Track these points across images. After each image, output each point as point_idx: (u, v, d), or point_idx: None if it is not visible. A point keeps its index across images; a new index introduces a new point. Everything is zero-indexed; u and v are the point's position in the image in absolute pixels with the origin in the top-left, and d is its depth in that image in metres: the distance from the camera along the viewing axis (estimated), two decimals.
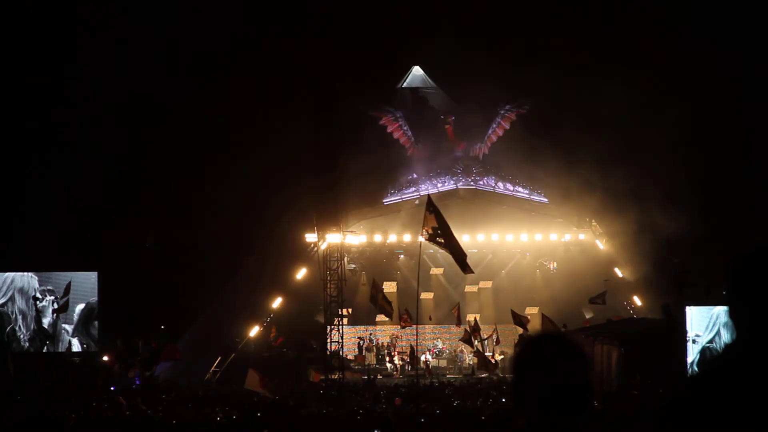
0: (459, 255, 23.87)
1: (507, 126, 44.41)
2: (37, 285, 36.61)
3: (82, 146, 38.94)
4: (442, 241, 23.53)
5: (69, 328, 36.74)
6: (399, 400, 24.98)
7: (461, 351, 41.11)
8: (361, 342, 42.34)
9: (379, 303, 31.28)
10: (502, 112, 44.52)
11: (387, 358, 41.70)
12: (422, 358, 39.98)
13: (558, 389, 3.33)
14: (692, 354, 31.54)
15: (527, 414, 3.38)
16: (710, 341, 31.95)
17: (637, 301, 42.48)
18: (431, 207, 23.44)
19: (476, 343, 36.71)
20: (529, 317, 35.15)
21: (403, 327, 35.34)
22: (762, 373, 3.11)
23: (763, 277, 3.20)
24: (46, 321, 36.63)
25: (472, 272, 26.53)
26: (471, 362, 39.54)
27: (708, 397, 3.13)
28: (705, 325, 32.10)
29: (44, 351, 35.84)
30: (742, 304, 3.25)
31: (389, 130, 44.52)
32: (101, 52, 38.94)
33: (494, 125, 44.60)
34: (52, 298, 36.55)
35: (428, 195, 24.05)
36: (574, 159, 39.80)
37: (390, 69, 45.55)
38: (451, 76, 44.75)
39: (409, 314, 35.00)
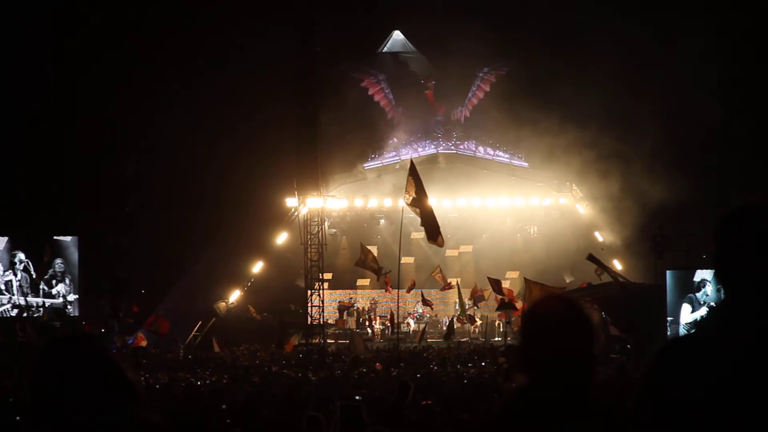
0: (431, 225, 23.94)
1: (487, 88, 44.26)
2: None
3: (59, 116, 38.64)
4: (418, 210, 23.59)
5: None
6: (379, 365, 25.04)
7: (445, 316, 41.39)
8: (342, 306, 42.47)
9: (368, 265, 31.31)
10: (481, 75, 44.34)
11: (367, 323, 41.84)
12: (406, 322, 40.20)
13: (561, 352, 3.35)
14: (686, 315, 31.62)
15: (529, 373, 3.39)
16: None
17: (618, 265, 42.64)
18: (413, 172, 23.40)
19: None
20: (507, 292, 35.04)
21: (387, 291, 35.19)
22: (746, 336, 3.10)
23: (750, 237, 3.19)
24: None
25: (441, 245, 26.51)
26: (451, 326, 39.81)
27: (692, 358, 3.12)
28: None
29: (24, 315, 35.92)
30: (729, 265, 3.24)
31: (370, 92, 44.30)
32: None
33: (474, 88, 44.45)
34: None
35: (411, 160, 23.92)
36: (555, 122, 39.74)
37: (369, 32, 45.25)
38: (431, 40, 44.44)
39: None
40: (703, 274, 30.95)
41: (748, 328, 3.11)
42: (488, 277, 34.29)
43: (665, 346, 3.24)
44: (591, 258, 30.14)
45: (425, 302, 37.39)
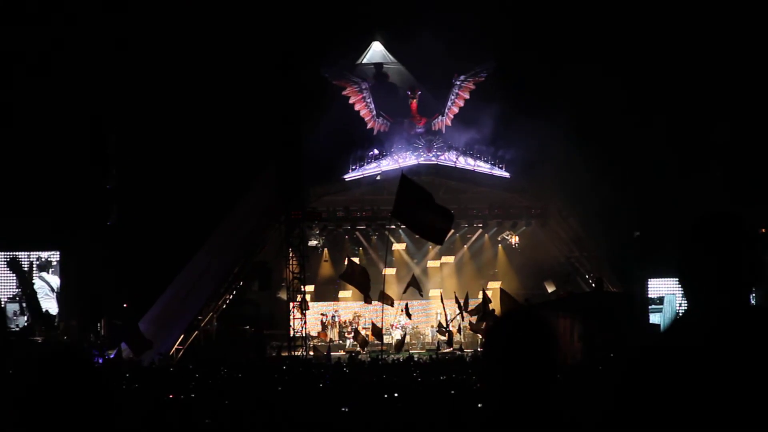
0: (432, 233, 23.42)
1: (467, 96, 44.11)
2: None
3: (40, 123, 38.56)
4: (413, 220, 22.93)
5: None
6: None
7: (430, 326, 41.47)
8: (324, 319, 42.50)
9: (356, 280, 31.05)
10: (458, 83, 44.25)
11: (347, 335, 41.84)
12: (392, 334, 40.25)
13: (523, 365, 3.44)
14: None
15: (493, 387, 3.49)
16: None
17: (598, 274, 42.76)
18: (406, 186, 22.59)
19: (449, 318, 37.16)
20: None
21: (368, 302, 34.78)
22: (710, 348, 3.18)
23: (710, 246, 3.28)
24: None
25: (441, 243, 26.36)
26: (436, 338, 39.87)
27: (655, 368, 3.21)
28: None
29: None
30: (691, 275, 3.33)
31: (352, 101, 44.17)
32: None
33: (452, 97, 44.36)
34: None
35: (402, 173, 23.49)
36: (537, 129, 39.68)
37: (348, 44, 45.16)
38: (409, 50, 44.35)
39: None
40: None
41: (712, 333, 3.20)
42: (499, 291, 33.95)
43: (634, 357, 3.34)
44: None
45: (407, 314, 37.37)
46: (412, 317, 40.20)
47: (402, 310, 37.76)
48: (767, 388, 3.11)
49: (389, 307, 37.08)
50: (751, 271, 3.28)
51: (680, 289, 3.40)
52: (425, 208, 22.02)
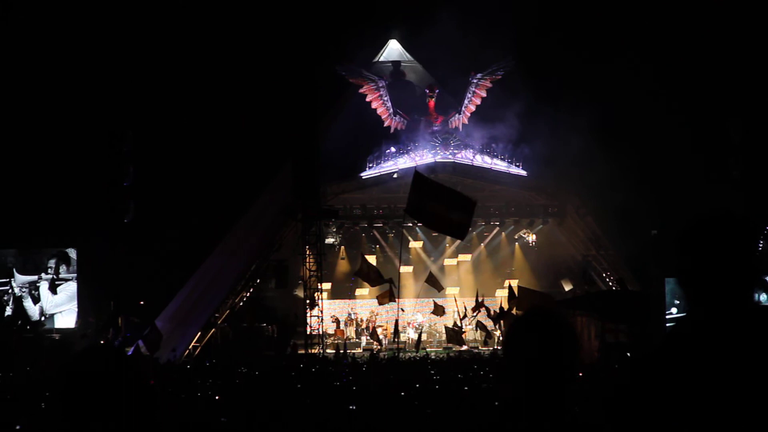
0: (453, 228, 23.31)
1: (483, 94, 44.02)
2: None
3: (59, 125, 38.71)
4: (429, 217, 22.86)
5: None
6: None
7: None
8: (340, 318, 42.50)
9: (372, 278, 31.09)
10: (475, 81, 44.15)
11: (363, 333, 41.85)
12: (404, 333, 40.17)
13: (544, 365, 3.43)
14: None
15: (514, 385, 3.48)
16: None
17: (616, 272, 42.66)
18: (420, 182, 22.62)
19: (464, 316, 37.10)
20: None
21: (381, 303, 34.68)
22: (710, 348, 3.16)
23: (709, 247, 3.26)
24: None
25: (462, 238, 26.36)
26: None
27: (657, 371, 3.20)
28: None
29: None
30: (690, 276, 3.31)
31: (369, 99, 44.11)
32: None
33: (469, 95, 44.26)
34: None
35: (415, 170, 23.48)
36: (555, 127, 39.59)
37: (364, 42, 45.08)
38: (426, 48, 44.28)
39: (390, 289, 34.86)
40: None
41: (713, 334, 3.19)
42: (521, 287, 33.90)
43: (638, 357, 3.33)
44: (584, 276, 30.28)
45: (436, 308, 37.18)
46: (429, 315, 40.18)
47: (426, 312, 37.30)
48: None
49: (406, 304, 37.16)
50: (752, 272, 3.25)
51: (681, 290, 3.38)
52: (442, 203, 21.98)
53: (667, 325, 32.26)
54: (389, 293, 30.98)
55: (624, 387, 3.31)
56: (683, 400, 3.16)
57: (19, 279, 38.09)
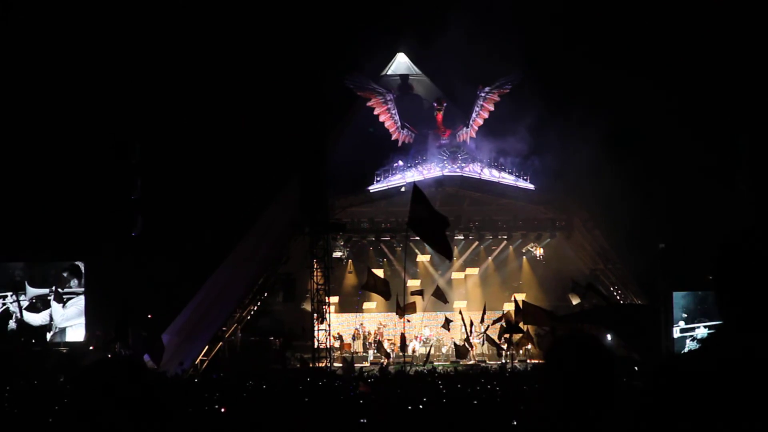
0: (441, 247, 23.77)
1: (491, 108, 43.97)
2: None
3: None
4: (426, 231, 23.36)
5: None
6: (364, 387, 24.85)
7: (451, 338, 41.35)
8: (344, 336, 42.47)
9: (379, 289, 31.16)
10: (483, 95, 44.11)
11: (370, 346, 41.78)
12: (410, 346, 40.11)
13: (583, 387, 3.42)
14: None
15: (552, 404, 3.49)
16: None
17: (624, 286, 42.61)
18: (418, 197, 23.19)
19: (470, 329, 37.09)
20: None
21: (401, 316, 34.55)
22: (741, 365, 3.13)
23: (749, 265, 3.23)
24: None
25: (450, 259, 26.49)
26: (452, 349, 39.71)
27: (685, 385, 3.17)
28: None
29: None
30: (728, 293, 3.28)
31: (377, 112, 44.09)
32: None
33: (477, 109, 44.23)
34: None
35: (414, 184, 23.78)
36: (562, 141, 39.58)
37: (372, 55, 45.10)
38: (433, 61, 44.33)
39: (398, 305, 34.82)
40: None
41: (746, 348, 3.15)
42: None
43: (658, 371, 3.30)
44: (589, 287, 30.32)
45: (446, 323, 37.20)
46: (436, 329, 40.17)
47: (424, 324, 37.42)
48: None
49: (413, 317, 37.11)
50: None
51: (716, 302, 3.36)
52: (433, 221, 22.32)
53: (689, 342, 32.20)
54: (413, 305, 31.14)
55: (660, 407, 3.28)
56: (716, 414, 3.13)
57: (30, 292, 38.11)
